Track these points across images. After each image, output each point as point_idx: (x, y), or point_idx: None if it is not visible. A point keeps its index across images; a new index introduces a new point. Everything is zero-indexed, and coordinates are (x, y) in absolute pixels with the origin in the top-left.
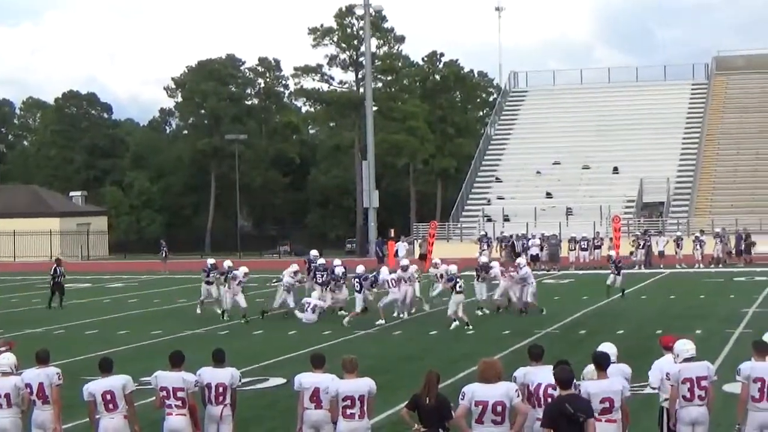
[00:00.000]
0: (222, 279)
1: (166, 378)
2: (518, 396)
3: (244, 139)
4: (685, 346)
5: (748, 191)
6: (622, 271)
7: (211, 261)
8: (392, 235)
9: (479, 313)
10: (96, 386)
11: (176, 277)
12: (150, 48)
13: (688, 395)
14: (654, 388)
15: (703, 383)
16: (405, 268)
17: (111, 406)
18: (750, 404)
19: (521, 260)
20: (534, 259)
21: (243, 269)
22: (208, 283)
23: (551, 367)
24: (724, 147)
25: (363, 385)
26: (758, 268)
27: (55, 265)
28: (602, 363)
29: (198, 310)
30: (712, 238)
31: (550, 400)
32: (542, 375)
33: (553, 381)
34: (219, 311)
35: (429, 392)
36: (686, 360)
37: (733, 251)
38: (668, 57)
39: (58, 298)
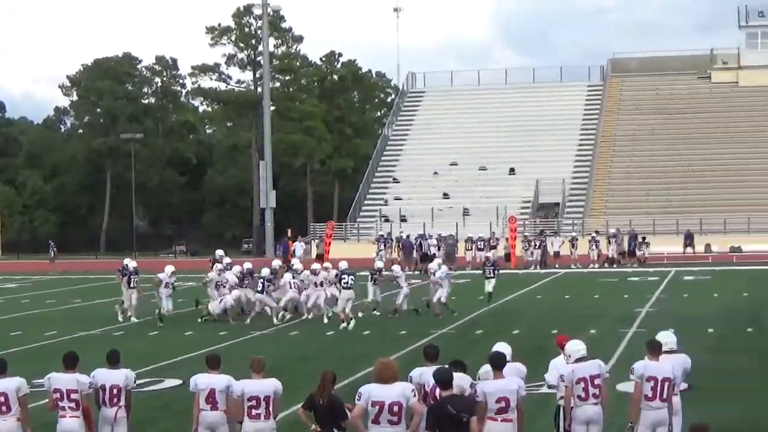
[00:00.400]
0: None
1: (60, 380)
2: (414, 396)
3: (141, 138)
4: (576, 347)
5: (643, 192)
6: (497, 272)
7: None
8: (289, 235)
9: (376, 313)
10: None
11: (71, 278)
12: (44, 46)
13: (582, 395)
14: (551, 387)
15: (597, 382)
16: (315, 272)
17: (4, 408)
18: (643, 403)
19: (437, 262)
20: (430, 259)
21: (169, 268)
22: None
23: (446, 367)
24: (619, 148)
25: (269, 385)
26: (651, 268)
27: None
28: (497, 363)
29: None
30: (605, 239)
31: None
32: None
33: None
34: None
35: (323, 392)
36: (578, 360)
37: (626, 252)
38: (564, 59)
39: None
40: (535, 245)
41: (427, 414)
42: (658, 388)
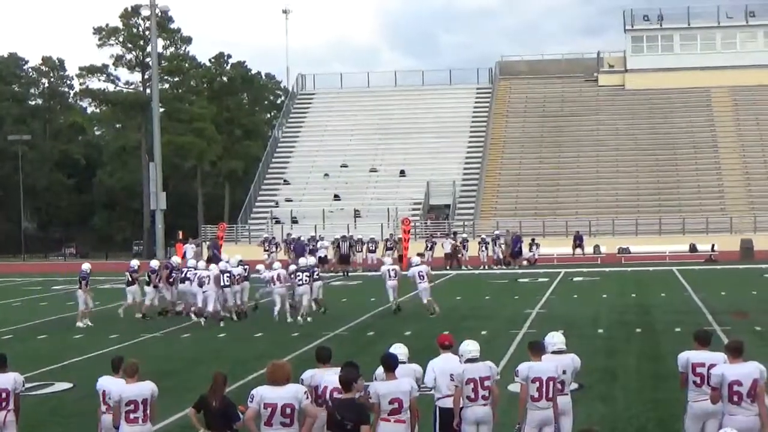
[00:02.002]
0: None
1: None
2: (307, 398)
3: (28, 140)
4: (468, 347)
5: (532, 194)
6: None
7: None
8: (180, 237)
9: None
10: None
11: None
12: None
13: (472, 395)
14: (429, 388)
15: (487, 383)
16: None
17: (4, 404)
18: (529, 403)
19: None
20: (322, 261)
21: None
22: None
23: (338, 369)
24: (508, 151)
25: (146, 388)
26: (541, 269)
27: None
28: (390, 364)
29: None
30: (491, 240)
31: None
32: (328, 377)
33: (338, 384)
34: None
35: (215, 394)
36: (469, 360)
37: (507, 254)
38: (451, 61)
39: None
40: (427, 247)
41: (327, 414)
42: (544, 388)
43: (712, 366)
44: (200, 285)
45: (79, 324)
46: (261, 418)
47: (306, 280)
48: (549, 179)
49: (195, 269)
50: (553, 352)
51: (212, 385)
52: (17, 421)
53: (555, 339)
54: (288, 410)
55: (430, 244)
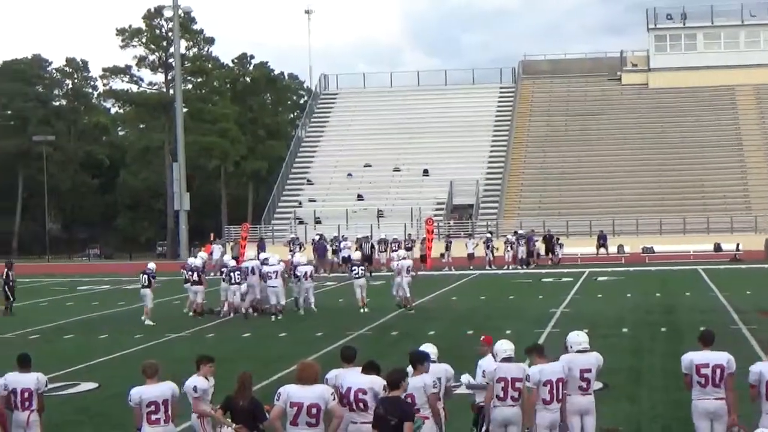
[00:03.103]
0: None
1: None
2: (334, 399)
3: (52, 140)
4: (503, 346)
5: (555, 194)
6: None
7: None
8: (212, 238)
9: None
10: None
11: None
12: None
13: (501, 395)
14: (470, 388)
15: (517, 384)
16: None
17: (27, 403)
18: (539, 406)
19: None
20: (345, 261)
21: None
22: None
23: (360, 369)
24: (532, 150)
25: (166, 389)
26: (565, 269)
27: (6, 269)
28: (413, 362)
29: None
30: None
31: (362, 404)
32: (352, 377)
33: (363, 384)
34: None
35: (242, 394)
36: (504, 360)
37: (531, 253)
38: (474, 61)
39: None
40: (447, 246)
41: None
42: (554, 391)
43: (717, 366)
44: (265, 280)
45: (148, 322)
46: (287, 418)
47: (361, 273)
48: (572, 178)
49: (262, 265)
50: (578, 351)
51: (239, 385)
52: (41, 421)
53: (580, 338)
54: (314, 410)
55: (447, 243)
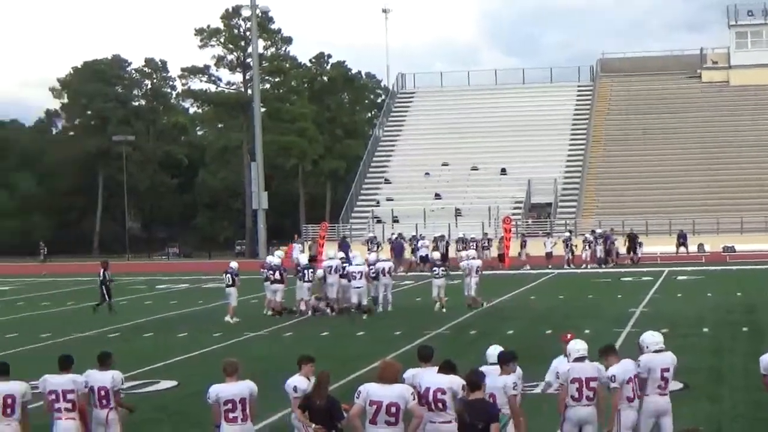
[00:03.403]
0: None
1: (55, 381)
2: (414, 399)
3: (132, 140)
4: (576, 346)
5: (634, 192)
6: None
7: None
8: (295, 238)
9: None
10: None
11: (64, 280)
12: (33, 48)
13: (576, 395)
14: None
15: (592, 384)
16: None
17: (9, 411)
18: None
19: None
20: (423, 260)
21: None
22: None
23: (437, 368)
24: (610, 148)
25: (244, 387)
26: (644, 268)
27: (101, 269)
28: (501, 361)
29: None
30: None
31: (440, 404)
32: (430, 377)
33: (442, 384)
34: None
35: (320, 393)
36: (577, 360)
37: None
38: (552, 60)
39: (106, 300)
40: (522, 244)
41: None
42: (634, 388)
43: None
44: (349, 280)
45: (229, 320)
46: (366, 416)
47: (441, 273)
48: (652, 177)
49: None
50: (655, 351)
51: (316, 384)
52: (120, 419)
53: (656, 338)
54: (393, 409)
55: (523, 242)
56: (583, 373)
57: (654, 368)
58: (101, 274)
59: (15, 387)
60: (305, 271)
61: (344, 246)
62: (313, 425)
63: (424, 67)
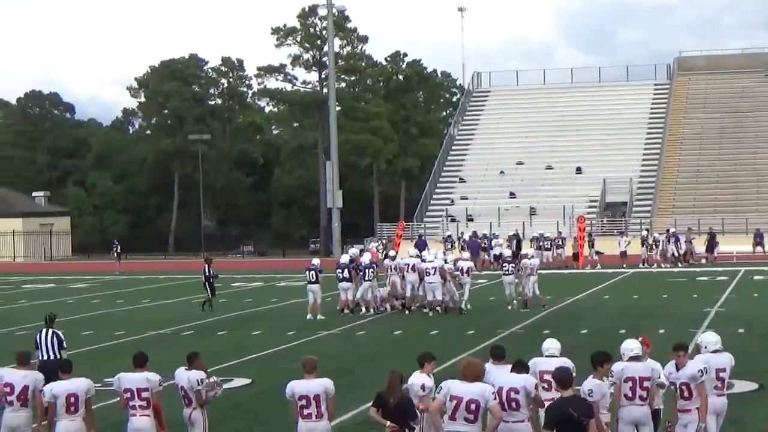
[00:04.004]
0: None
1: (130, 379)
2: (495, 399)
3: (208, 139)
4: (629, 345)
5: (710, 191)
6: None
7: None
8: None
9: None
10: (59, 388)
11: (140, 278)
12: (111, 47)
13: (629, 394)
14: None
15: (646, 384)
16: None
17: (73, 408)
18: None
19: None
20: (497, 259)
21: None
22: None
23: (510, 366)
24: (686, 147)
25: (318, 385)
26: (720, 267)
27: (206, 265)
28: (596, 362)
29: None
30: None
31: (514, 404)
32: (503, 376)
33: (516, 384)
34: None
35: (393, 392)
36: (631, 359)
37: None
38: (628, 58)
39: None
40: (590, 244)
41: (546, 413)
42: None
43: None
44: (421, 277)
45: (311, 318)
46: (446, 412)
47: (510, 270)
48: (728, 176)
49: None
50: (713, 351)
51: (390, 383)
52: (203, 417)
53: (715, 338)
54: (473, 406)
55: (591, 241)
56: (637, 372)
57: (710, 368)
58: (206, 270)
59: (78, 385)
60: (366, 270)
61: (421, 244)
62: (388, 423)
63: (499, 66)
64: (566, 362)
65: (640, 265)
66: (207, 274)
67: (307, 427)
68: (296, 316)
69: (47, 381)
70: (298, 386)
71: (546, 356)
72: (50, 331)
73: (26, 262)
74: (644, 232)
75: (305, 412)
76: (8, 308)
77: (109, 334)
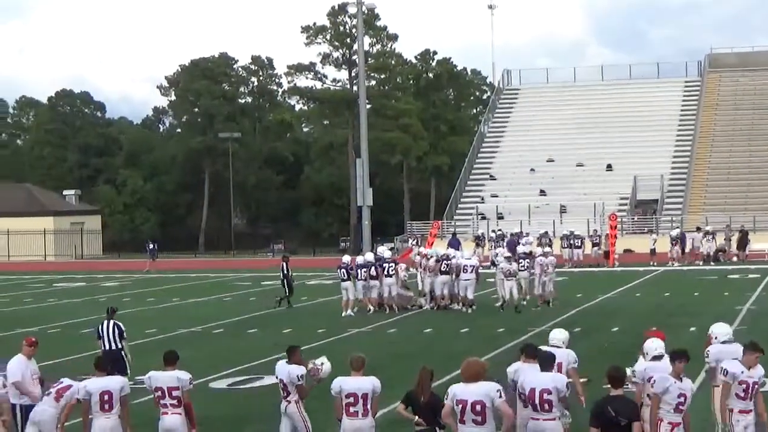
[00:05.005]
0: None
1: (161, 378)
2: (501, 397)
3: (238, 137)
4: (653, 345)
5: (742, 188)
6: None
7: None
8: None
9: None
10: (93, 386)
11: (170, 276)
12: (141, 46)
13: None
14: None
15: None
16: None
17: (107, 406)
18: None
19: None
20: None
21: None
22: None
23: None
24: (718, 144)
25: (367, 382)
26: (752, 265)
27: (283, 263)
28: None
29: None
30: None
31: (547, 405)
32: (533, 376)
33: (547, 384)
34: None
35: (422, 390)
36: (654, 359)
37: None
38: (659, 55)
39: (286, 296)
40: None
41: (591, 411)
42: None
43: None
44: (457, 275)
45: (350, 313)
46: (456, 415)
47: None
48: (760, 173)
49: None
50: (723, 342)
51: (419, 381)
52: (300, 410)
53: (725, 329)
54: (478, 407)
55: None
56: (660, 371)
57: (721, 359)
58: (284, 267)
59: (111, 383)
60: (386, 266)
61: (454, 242)
62: (416, 418)
63: (529, 63)
64: (570, 354)
65: (670, 264)
66: (285, 272)
67: (352, 424)
68: (327, 314)
69: (110, 372)
70: (347, 383)
71: (551, 345)
72: (111, 322)
73: (57, 260)
74: (676, 230)
75: (351, 409)
76: (38, 306)
77: (139, 333)
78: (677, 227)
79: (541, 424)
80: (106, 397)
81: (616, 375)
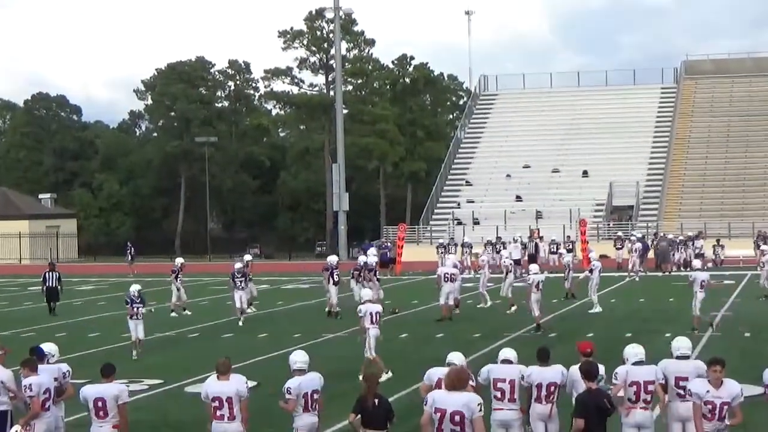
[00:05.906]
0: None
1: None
2: (480, 411)
3: (214, 141)
4: (633, 350)
5: (717, 195)
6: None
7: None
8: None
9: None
10: (89, 392)
11: (146, 280)
12: (118, 50)
13: (633, 398)
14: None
15: (650, 387)
16: None
17: (102, 413)
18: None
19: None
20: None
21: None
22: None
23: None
24: (693, 151)
25: (231, 386)
26: (727, 272)
27: (47, 270)
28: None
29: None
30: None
31: (552, 396)
32: (546, 373)
33: (554, 378)
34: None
35: (371, 394)
36: (636, 363)
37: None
38: (632, 61)
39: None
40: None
41: (578, 402)
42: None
43: None
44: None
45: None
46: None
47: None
48: (735, 180)
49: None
50: (677, 357)
51: (367, 386)
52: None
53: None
54: (457, 418)
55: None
56: (641, 376)
57: (669, 375)
58: (46, 276)
59: (107, 390)
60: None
61: (366, 247)
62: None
63: (502, 68)
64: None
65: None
66: (49, 279)
67: (220, 429)
68: (302, 319)
69: (111, 378)
70: (212, 387)
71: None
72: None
73: (32, 264)
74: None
75: (218, 413)
76: (13, 310)
77: (116, 336)
78: (639, 234)
79: (546, 409)
80: (99, 404)
81: (589, 369)
